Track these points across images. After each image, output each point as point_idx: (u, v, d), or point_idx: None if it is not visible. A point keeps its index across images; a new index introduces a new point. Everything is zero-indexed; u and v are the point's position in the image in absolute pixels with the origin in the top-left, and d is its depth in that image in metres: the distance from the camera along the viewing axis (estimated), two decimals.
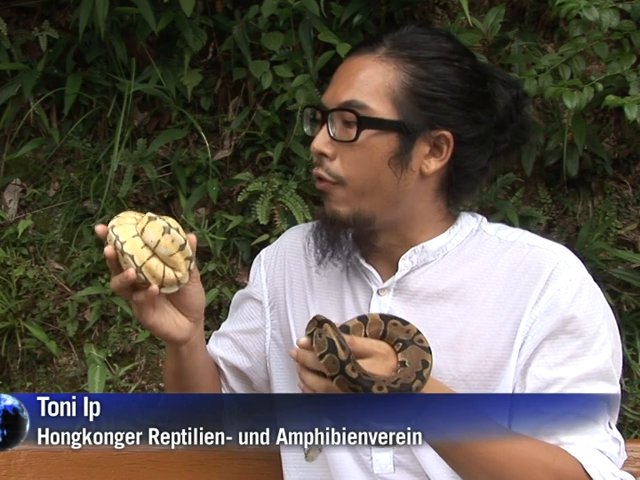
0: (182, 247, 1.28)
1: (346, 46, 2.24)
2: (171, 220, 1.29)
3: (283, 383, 1.57)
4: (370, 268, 1.48)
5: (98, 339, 2.49)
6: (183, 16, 2.32)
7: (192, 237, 1.32)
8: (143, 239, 1.27)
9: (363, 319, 1.23)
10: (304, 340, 1.16)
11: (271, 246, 1.66)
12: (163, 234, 1.27)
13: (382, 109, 1.39)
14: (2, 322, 2.45)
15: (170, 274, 1.29)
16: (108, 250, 1.27)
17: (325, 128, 1.40)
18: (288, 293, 1.57)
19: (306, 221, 2.30)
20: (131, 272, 1.26)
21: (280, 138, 2.44)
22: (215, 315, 2.39)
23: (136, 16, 2.42)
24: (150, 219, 1.28)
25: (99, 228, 1.29)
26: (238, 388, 1.61)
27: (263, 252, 1.65)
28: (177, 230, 1.28)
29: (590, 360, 1.35)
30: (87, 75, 2.52)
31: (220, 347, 1.61)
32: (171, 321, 1.39)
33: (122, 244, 1.26)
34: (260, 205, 2.37)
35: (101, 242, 2.49)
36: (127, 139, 2.48)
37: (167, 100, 2.47)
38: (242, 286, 1.70)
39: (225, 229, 2.42)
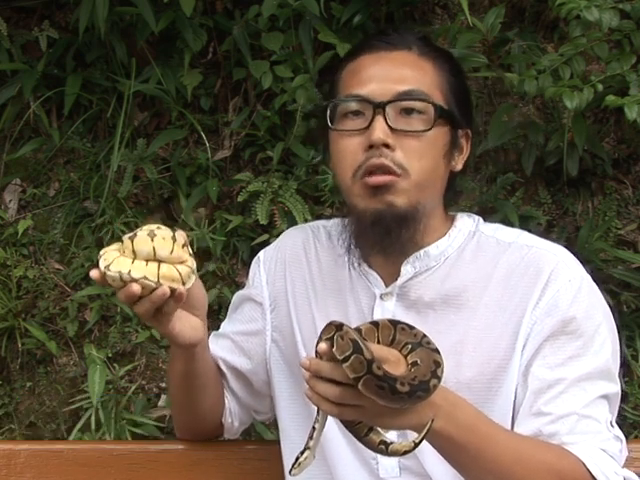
0: (174, 238, 1.28)
1: (346, 46, 2.24)
2: (147, 226, 1.29)
3: (284, 384, 1.57)
4: (373, 272, 1.48)
5: (98, 339, 2.48)
6: (183, 16, 2.31)
7: (180, 231, 1.31)
8: (140, 258, 1.26)
9: (375, 324, 1.23)
10: (324, 345, 1.13)
11: (270, 247, 1.65)
12: (152, 239, 1.26)
13: (440, 101, 1.41)
14: (2, 322, 2.45)
15: (183, 268, 1.29)
16: (135, 288, 1.24)
17: (382, 119, 1.37)
18: (290, 295, 1.56)
19: (306, 221, 2.30)
20: (164, 290, 1.25)
21: (280, 138, 2.44)
22: (215, 315, 2.38)
23: (136, 16, 2.41)
24: (131, 238, 1.26)
25: (94, 274, 1.27)
26: (238, 389, 1.61)
27: (262, 253, 1.64)
28: (158, 228, 1.28)
29: (590, 360, 1.35)
30: (87, 75, 2.52)
31: (220, 348, 1.60)
32: (188, 325, 1.39)
33: (128, 274, 1.24)
34: (260, 205, 2.37)
35: (101, 242, 2.50)
36: (127, 139, 2.48)
37: (167, 100, 2.47)
38: (242, 286, 1.70)
39: (225, 229, 2.42)
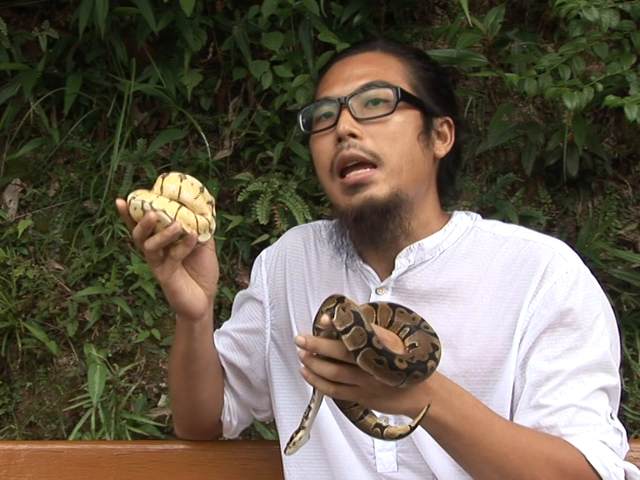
0: (202, 190, 1.33)
1: (346, 46, 2.24)
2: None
3: (282, 382, 1.57)
4: (368, 268, 1.48)
5: (98, 339, 2.49)
6: (183, 16, 2.31)
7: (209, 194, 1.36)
8: (166, 195, 1.31)
9: (374, 305, 1.24)
10: (326, 317, 1.13)
11: (272, 247, 1.66)
12: (181, 180, 1.32)
13: (404, 88, 1.44)
14: (2, 322, 2.45)
15: (201, 219, 1.33)
16: (152, 215, 1.27)
17: (346, 112, 1.41)
18: (289, 293, 1.57)
19: (306, 221, 2.30)
20: (176, 226, 1.28)
21: (280, 138, 2.44)
22: (215, 315, 2.38)
23: (136, 16, 2.42)
24: (163, 176, 1.33)
25: (120, 202, 1.31)
26: (237, 386, 1.62)
27: (264, 253, 1.66)
28: (191, 177, 1.34)
29: (588, 352, 1.35)
30: (87, 75, 2.52)
31: (221, 344, 1.62)
32: (191, 290, 1.40)
33: (150, 204, 1.29)
34: (260, 205, 2.37)
35: (101, 242, 2.49)
36: (127, 139, 2.48)
37: (167, 100, 2.47)
38: (242, 286, 1.70)
39: (225, 229, 2.42)
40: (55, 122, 2.58)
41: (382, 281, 1.47)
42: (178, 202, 1.31)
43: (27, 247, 2.53)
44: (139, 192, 1.33)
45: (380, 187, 1.39)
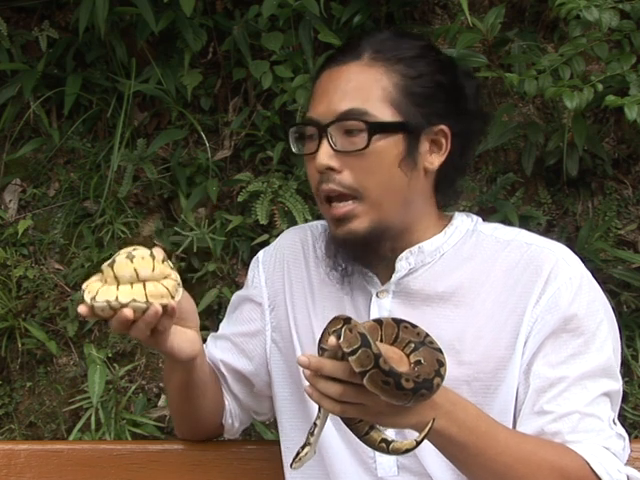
0: (153, 256, 1.26)
1: None
2: (122, 250, 1.27)
3: (283, 384, 1.57)
4: (368, 272, 1.48)
5: (98, 339, 2.49)
6: (183, 16, 2.32)
7: (156, 247, 1.30)
8: (124, 282, 1.24)
9: (378, 322, 1.23)
10: (334, 339, 1.12)
11: (269, 247, 1.65)
12: (132, 261, 1.25)
13: (383, 113, 1.38)
14: (2, 322, 2.45)
15: (168, 283, 1.28)
16: (127, 313, 1.22)
17: (325, 142, 1.38)
18: (288, 295, 1.56)
19: (306, 221, 2.30)
20: (156, 308, 1.24)
21: (280, 138, 2.44)
22: (215, 315, 2.38)
23: (136, 16, 2.42)
24: (110, 265, 1.25)
25: (83, 310, 1.25)
26: (238, 391, 1.61)
27: (261, 254, 1.65)
28: (135, 249, 1.27)
29: (592, 358, 1.35)
30: (87, 75, 2.52)
31: (220, 350, 1.60)
32: (185, 339, 1.39)
33: (116, 300, 1.23)
34: (260, 205, 2.37)
35: (101, 242, 2.49)
36: (127, 139, 2.48)
37: (167, 100, 2.47)
38: (242, 286, 1.70)
39: (225, 229, 2.42)
40: (55, 122, 2.58)
41: (383, 284, 1.47)
42: (139, 281, 1.24)
43: (27, 247, 2.53)
44: (93, 287, 1.25)
45: (361, 220, 1.39)
